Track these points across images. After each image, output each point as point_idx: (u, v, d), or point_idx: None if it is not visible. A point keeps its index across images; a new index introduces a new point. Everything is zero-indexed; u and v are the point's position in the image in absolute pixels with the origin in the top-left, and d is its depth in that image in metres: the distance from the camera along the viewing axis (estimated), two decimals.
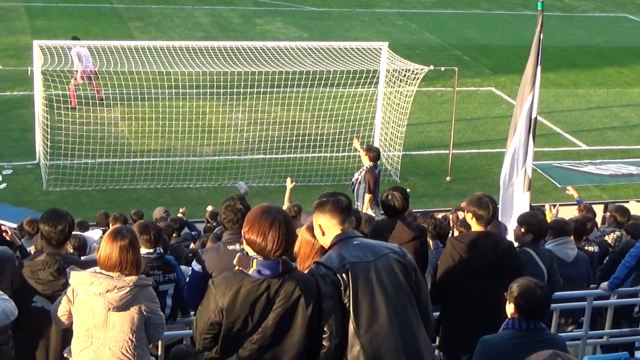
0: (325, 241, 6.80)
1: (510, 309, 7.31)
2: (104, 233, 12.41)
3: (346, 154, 24.49)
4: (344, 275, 6.46)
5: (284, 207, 14.99)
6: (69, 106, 25.77)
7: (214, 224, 17.07)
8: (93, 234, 10.41)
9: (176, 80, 25.93)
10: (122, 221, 15.64)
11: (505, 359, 7.13)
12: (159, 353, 9.08)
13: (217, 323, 6.37)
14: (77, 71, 26.35)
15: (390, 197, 10.16)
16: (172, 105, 26.16)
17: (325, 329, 6.46)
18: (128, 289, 7.07)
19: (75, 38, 27.63)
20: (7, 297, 6.80)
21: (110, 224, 15.70)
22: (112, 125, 25.50)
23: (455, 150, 25.04)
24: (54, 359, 7.96)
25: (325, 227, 6.76)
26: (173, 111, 25.67)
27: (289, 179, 16.94)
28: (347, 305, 6.49)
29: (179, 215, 18.12)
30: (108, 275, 7.09)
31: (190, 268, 8.76)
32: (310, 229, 7.62)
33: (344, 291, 6.47)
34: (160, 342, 8.93)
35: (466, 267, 8.93)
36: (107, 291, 7.04)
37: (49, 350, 7.93)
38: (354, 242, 6.67)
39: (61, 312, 7.30)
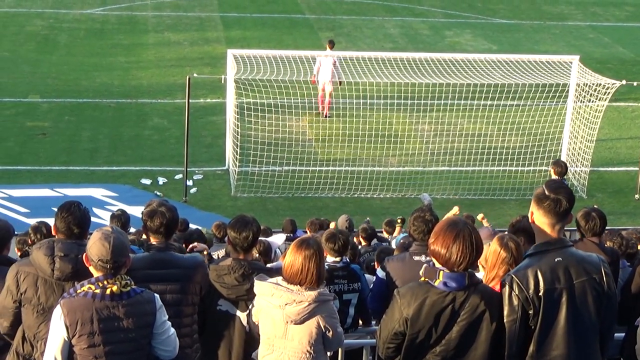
0: (533, 227, 6.62)
1: None
2: (288, 239, 12.63)
3: (532, 168, 24.20)
4: (536, 302, 6.34)
5: None
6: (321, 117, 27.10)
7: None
8: (277, 238, 10.58)
9: (364, 90, 26.17)
10: (318, 226, 15.92)
11: None
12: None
13: (401, 333, 6.41)
14: (315, 80, 27.02)
15: (588, 217, 9.94)
16: (359, 115, 26.39)
17: (506, 346, 6.41)
18: (307, 303, 7.15)
19: (331, 42, 28.25)
20: (173, 330, 7.02)
21: (307, 230, 16.03)
22: (300, 134, 25.89)
23: None
24: None
25: (536, 220, 6.53)
26: (360, 121, 25.90)
27: (456, 208, 16.80)
28: (532, 327, 6.41)
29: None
30: (288, 289, 7.18)
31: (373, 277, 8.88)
32: (501, 238, 7.60)
33: (532, 315, 6.38)
34: (340, 350, 9.04)
35: None
36: (286, 304, 7.15)
37: (231, 353, 8.10)
38: (556, 259, 6.44)
39: (255, 318, 7.51)
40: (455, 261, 6.31)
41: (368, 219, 18.88)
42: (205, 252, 9.83)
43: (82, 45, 35.40)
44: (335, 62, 27.00)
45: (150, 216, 7.85)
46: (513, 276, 6.44)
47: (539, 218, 6.52)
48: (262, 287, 7.31)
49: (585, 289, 6.47)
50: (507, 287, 6.42)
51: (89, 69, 32.20)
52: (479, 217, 16.84)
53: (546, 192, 6.47)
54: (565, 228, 6.87)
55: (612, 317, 6.67)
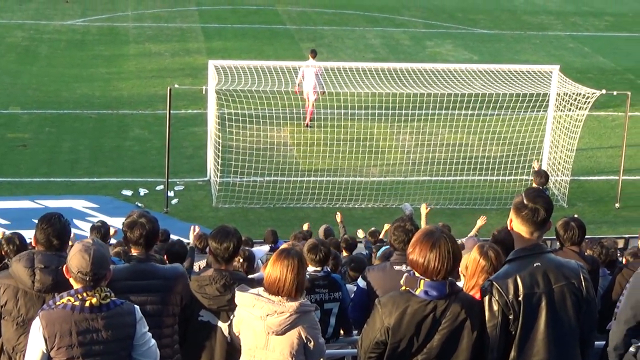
0: (514, 232, 6.67)
1: None
2: (271, 250, 12.63)
3: (513, 177, 24.28)
4: (515, 306, 6.40)
5: None
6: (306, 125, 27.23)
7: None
8: (261, 248, 10.61)
9: (345, 100, 26.21)
10: (302, 239, 15.90)
11: None
12: None
13: (382, 342, 6.41)
14: (298, 90, 27.08)
15: (567, 227, 10.03)
16: (340, 126, 26.44)
17: (488, 351, 6.44)
18: (288, 314, 7.13)
19: (313, 52, 28.33)
20: (154, 341, 6.99)
21: (290, 239, 16.00)
22: (281, 145, 25.92)
23: (626, 176, 24.48)
24: None
25: (515, 227, 6.62)
26: (341, 131, 25.93)
27: (423, 205, 16.87)
28: (512, 333, 6.45)
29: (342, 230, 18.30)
30: (270, 300, 7.17)
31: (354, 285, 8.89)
32: (481, 247, 7.64)
33: (512, 320, 6.43)
34: None
35: None
36: (267, 315, 7.13)
37: None
38: (535, 265, 6.51)
39: (236, 329, 7.50)
40: (433, 270, 6.33)
41: (340, 217, 18.69)
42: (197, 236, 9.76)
43: (63, 57, 35.33)
44: (317, 72, 27.03)
45: (130, 227, 7.85)
46: (493, 282, 6.50)
47: (518, 226, 6.60)
48: (243, 298, 7.29)
49: (564, 293, 6.52)
50: (487, 292, 6.48)
51: (70, 80, 32.14)
52: (480, 221, 16.83)
53: (524, 202, 6.54)
54: (546, 237, 6.90)
55: (591, 322, 6.71)
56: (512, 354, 6.46)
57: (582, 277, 6.61)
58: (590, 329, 6.69)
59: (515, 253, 6.62)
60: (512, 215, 6.61)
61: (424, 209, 16.38)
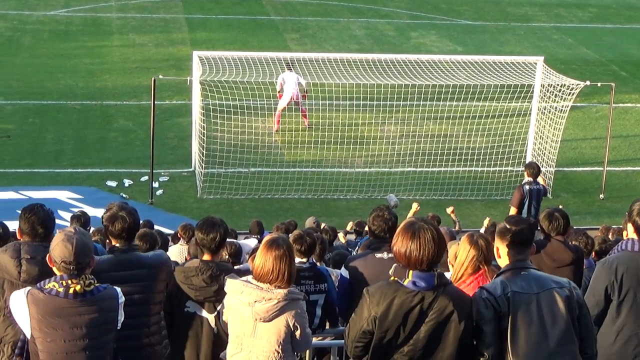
0: (501, 263, 6.91)
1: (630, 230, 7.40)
2: (259, 242, 12.59)
3: (497, 168, 24.30)
4: (505, 302, 6.50)
5: None
6: (273, 131, 26.47)
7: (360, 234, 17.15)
8: (249, 242, 10.56)
9: (330, 91, 26.18)
10: (284, 230, 15.85)
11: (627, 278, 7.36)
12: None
13: (369, 332, 6.42)
14: (280, 94, 26.71)
15: (551, 218, 10.06)
16: (325, 117, 26.41)
17: (483, 352, 6.50)
18: (276, 301, 7.13)
19: (288, 66, 26.96)
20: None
21: (273, 230, 15.96)
22: (266, 135, 25.88)
23: (610, 167, 24.55)
24: None
25: (502, 253, 6.86)
26: (326, 122, 25.91)
27: (415, 204, 17.02)
28: (505, 332, 6.51)
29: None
30: (258, 286, 7.17)
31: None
32: (470, 236, 7.71)
33: (503, 317, 6.50)
34: (308, 352, 9.03)
35: None
36: (255, 302, 7.13)
37: (199, 354, 8.10)
38: (522, 273, 6.70)
39: (225, 316, 7.49)
40: (416, 259, 6.35)
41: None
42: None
43: (46, 47, 35.19)
44: (298, 78, 26.50)
45: (111, 221, 7.81)
46: (482, 287, 6.72)
47: (504, 250, 6.85)
48: (232, 285, 7.30)
49: (554, 295, 6.64)
50: (477, 295, 6.61)
51: (53, 71, 32.02)
52: (448, 210, 17.09)
53: (507, 226, 6.84)
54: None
55: (589, 329, 6.81)
56: (508, 356, 6.53)
57: (572, 286, 6.77)
58: (588, 337, 6.76)
59: (504, 267, 6.83)
60: (497, 242, 6.88)
61: (414, 207, 16.62)
